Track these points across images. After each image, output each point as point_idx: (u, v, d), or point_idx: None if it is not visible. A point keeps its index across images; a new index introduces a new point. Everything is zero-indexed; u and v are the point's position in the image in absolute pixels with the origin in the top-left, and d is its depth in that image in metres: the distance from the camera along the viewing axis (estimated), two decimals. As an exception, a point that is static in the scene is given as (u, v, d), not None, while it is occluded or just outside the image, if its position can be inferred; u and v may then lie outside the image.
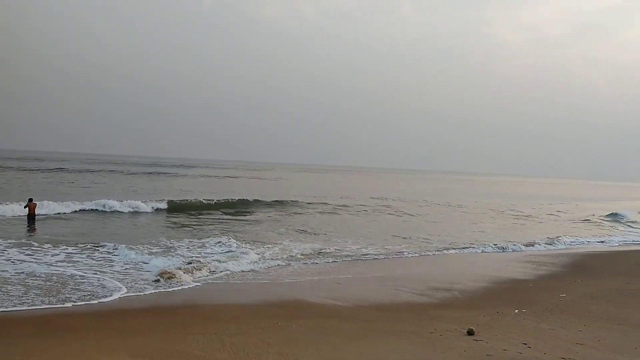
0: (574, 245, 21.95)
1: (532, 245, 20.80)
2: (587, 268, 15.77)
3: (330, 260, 15.35)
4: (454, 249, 19.08)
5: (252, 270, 13.40)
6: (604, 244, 23.13)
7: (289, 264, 14.35)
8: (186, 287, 11.11)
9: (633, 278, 13.70)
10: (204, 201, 29.68)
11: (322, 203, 34.06)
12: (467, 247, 19.51)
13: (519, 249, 19.77)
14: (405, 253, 17.46)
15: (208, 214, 26.61)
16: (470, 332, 7.66)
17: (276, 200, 33.33)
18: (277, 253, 15.87)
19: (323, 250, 16.80)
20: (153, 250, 15.00)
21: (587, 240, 23.75)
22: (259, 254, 15.24)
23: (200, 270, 12.51)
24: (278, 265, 14.17)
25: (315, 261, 15.06)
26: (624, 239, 24.99)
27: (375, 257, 16.40)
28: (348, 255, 16.22)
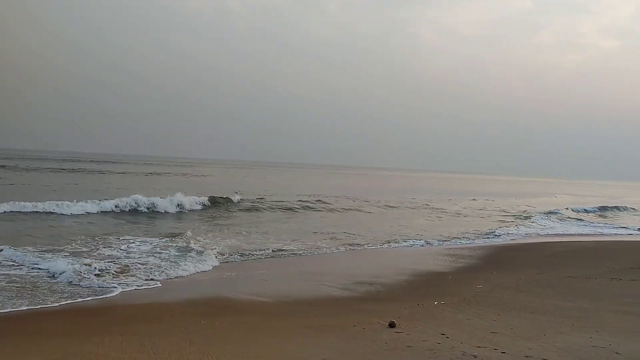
0: (491, 238, 22.93)
1: (455, 239, 21.57)
2: (502, 260, 16.55)
3: (254, 256, 15.25)
4: (379, 243, 19.47)
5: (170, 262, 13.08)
6: (521, 236, 24.30)
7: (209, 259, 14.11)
8: (106, 287, 10.71)
9: (543, 269, 14.49)
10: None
11: (245, 200, 33.71)
12: (390, 242, 19.95)
13: (440, 244, 20.42)
14: (329, 249, 17.63)
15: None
16: (391, 325, 7.85)
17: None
18: (199, 250, 15.56)
19: (245, 247, 16.67)
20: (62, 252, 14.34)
21: (506, 232, 24.92)
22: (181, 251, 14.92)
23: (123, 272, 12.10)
24: (200, 261, 13.89)
25: (238, 258, 14.92)
26: (535, 231, 26.42)
27: (300, 253, 16.46)
28: (272, 252, 16.17)
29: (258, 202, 32.28)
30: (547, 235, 25.66)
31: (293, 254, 16.21)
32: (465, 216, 33.35)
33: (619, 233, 28.22)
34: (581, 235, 26.33)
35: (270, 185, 54.76)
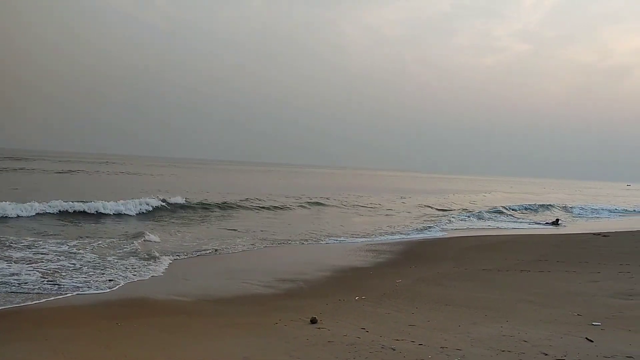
0: (413, 234, 23.60)
1: (379, 235, 22.02)
2: (421, 255, 17.08)
3: (175, 256, 14.90)
4: (302, 240, 19.57)
5: (88, 267, 12.57)
6: (441, 231, 25.15)
7: (126, 259, 13.67)
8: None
9: (459, 262, 15.09)
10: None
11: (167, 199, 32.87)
12: (314, 239, 20.10)
13: (363, 240, 20.79)
14: (252, 246, 17.53)
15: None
16: (313, 321, 7.92)
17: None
18: (114, 251, 15.04)
19: (167, 247, 16.28)
20: None
21: (428, 227, 25.73)
22: (95, 251, 14.35)
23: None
24: (116, 261, 13.42)
25: (158, 257, 14.52)
26: (454, 227, 27.48)
27: (222, 251, 16.25)
28: (192, 251, 15.86)
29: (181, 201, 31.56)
30: (467, 229, 26.77)
31: (215, 252, 15.98)
32: (393, 212, 34.11)
33: (531, 227, 29.85)
34: (497, 229, 27.64)
35: (187, 184, 53.73)
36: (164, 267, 12.93)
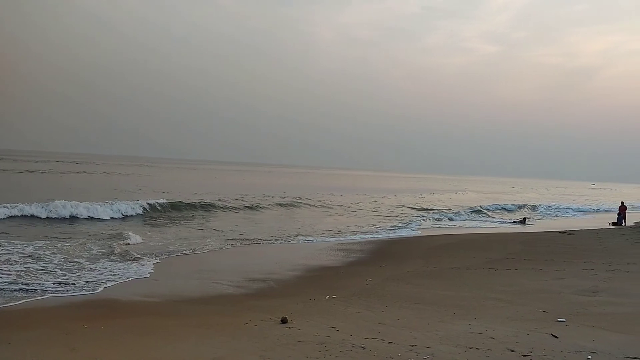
0: (384, 233, 23.76)
1: (350, 234, 22.12)
2: (391, 253, 17.22)
3: (144, 257, 14.70)
4: (275, 240, 19.54)
5: (60, 269, 12.34)
6: (410, 231, 25.38)
7: (97, 261, 13.47)
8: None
9: (428, 260, 15.26)
10: None
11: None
12: (285, 238, 20.08)
13: (334, 239, 20.85)
14: (222, 246, 17.44)
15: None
16: (284, 321, 7.92)
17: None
18: (86, 252, 14.81)
19: (136, 247, 16.09)
20: None
21: (399, 226, 25.94)
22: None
23: None
24: (80, 262, 13.16)
25: (129, 258, 14.33)
26: (427, 225, 27.77)
27: (194, 251, 16.12)
28: (164, 251, 15.71)
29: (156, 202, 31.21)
30: (437, 228, 27.09)
31: (187, 252, 15.84)
32: (363, 212, 34.27)
33: (499, 226, 30.35)
34: (467, 228, 28.03)
35: (162, 184, 53.18)
36: (134, 268, 12.76)
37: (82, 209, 23.39)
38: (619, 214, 31.70)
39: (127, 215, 24.59)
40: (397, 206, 40.11)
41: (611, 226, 29.86)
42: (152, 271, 12.64)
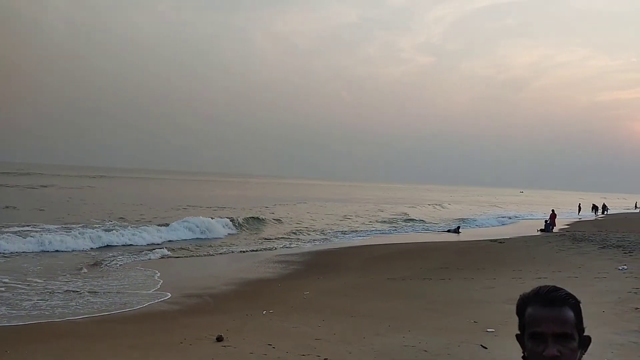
0: (321, 244, 23.86)
1: (289, 247, 22.07)
2: (329, 264, 17.30)
3: (72, 273, 14.13)
4: (211, 252, 19.26)
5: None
6: (347, 241, 25.60)
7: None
8: None
9: (363, 272, 15.46)
10: None
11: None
12: (221, 251, 19.84)
13: (272, 251, 20.76)
14: (155, 260, 17.02)
15: None
16: (219, 339, 7.80)
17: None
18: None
19: (59, 263, 15.48)
20: None
21: (332, 236, 26.10)
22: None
23: None
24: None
25: (56, 275, 13.76)
26: (363, 235, 28.11)
27: (121, 263, 15.62)
28: (89, 265, 15.14)
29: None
30: (374, 237, 27.51)
31: (113, 265, 15.32)
32: (300, 223, 34.28)
33: (434, 234, 31.10)
34: (404, 237, 28.55)
35: (98, 198, 51.42)
36: (63, 286, 12.23)
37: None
38: (546, 221, 33.16)
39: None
40: (331, 215, 40.39)
41: (539, 233, 31.15)
42: (83, 288, 12.14)
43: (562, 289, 1.63)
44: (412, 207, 54.42)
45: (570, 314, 1.59)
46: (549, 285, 1.66)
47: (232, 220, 28.16)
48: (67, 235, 19.00)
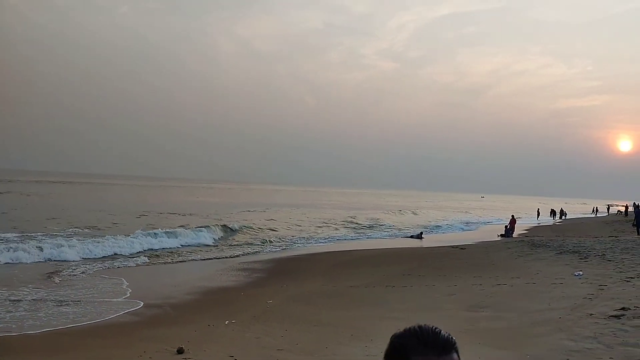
0: (282, 251, 23.79)
1: (252, 254, 21.93)
2: (292, 271, 17.27)
3: (20, 285, 13.63)
4: (171, 259, 18.98)
5: None
6: (310, 247, 25.59)
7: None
8: None
9: (329, 279, 15.46)
10: None
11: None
12: (180, 258, 19.58)
13: (234, 258, 20.60)
14: (111, 269, 16.68)
15: None
16: (180, 351, 7.68)
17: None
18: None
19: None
20: None
21: (293, 242, 26.06)
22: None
23: None
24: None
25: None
26: (326, 241, 28.14)
27: (73, 273, 15.22)
28: (43, 274, 14.71)
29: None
30: (337, 243, 27.58)
31: (65, 274, 14.89)
32: (262, 229, 34.11)
33: (397, 240, 31.37)
34: (367, 242, 28.69)
35: (45, 205, 50.16)
36: (9, 297, 11.82)
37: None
38: (506, 226, 33.86)
39: None
40: (301, 221, 40.34)
41: (499, 238, 31.76)
42: (34, 300, 11.74)
43: (440, 329, 1.51)
44: (375, 212, 54.83)
45: (456, 356, 1.49)
46: (429, 327, 1.51)
47: (195, 227, 27.85)
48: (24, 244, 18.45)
